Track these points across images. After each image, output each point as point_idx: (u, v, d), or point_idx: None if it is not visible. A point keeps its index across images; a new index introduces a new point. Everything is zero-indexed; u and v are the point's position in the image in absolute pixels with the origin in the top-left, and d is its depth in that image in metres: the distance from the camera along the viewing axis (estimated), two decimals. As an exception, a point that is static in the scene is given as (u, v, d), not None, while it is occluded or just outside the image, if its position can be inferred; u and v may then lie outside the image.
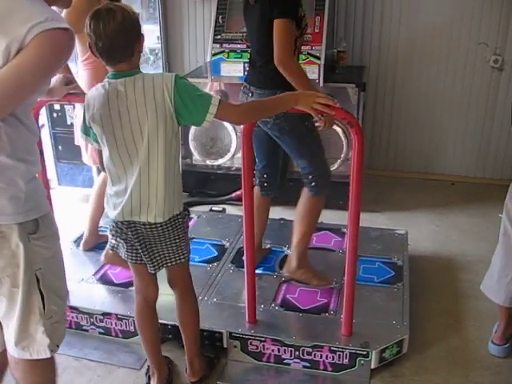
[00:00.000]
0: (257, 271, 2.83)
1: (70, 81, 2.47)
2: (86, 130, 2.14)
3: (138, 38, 2.00)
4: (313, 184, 2.92)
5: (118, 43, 1.94)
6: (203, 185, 4.43)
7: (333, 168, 4.07)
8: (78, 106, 3.09)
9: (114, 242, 2.22)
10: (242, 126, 2.45)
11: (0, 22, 1.54)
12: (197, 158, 4.40)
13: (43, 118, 4.21)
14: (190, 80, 3.95)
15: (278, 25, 2.59)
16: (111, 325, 2.75)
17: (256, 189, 3.13)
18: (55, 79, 2.41)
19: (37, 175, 1.79)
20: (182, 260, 2.22)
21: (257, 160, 3.11)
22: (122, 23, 1.92)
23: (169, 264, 2.21)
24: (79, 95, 2.48)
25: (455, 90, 4.55)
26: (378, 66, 4.60)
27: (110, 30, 1.91)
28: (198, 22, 4.83)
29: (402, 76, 4.60)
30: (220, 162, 4.34)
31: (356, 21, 4.53)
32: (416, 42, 4.49)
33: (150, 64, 5.08)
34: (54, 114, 4.23)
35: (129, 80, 1.98)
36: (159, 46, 4.92)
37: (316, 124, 2.82)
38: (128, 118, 1.99)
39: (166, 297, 2.41)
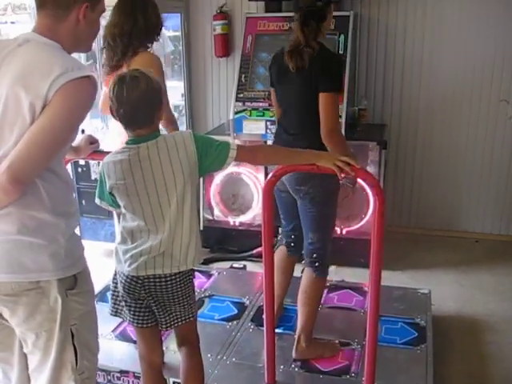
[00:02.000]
0: (277, 330, 2.79)
1: (94, 140, 2.54)
2: (101, 195, 2.16)
3: (160, 105, 2.04)
4: (317, 264, 2.86)
5: (140, 111, 1.98)
6: (224, 241, 4.44)
7: (355, 226, 4.08)
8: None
9: (116, 306, 2.23)
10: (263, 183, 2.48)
11: (23, 78, 1.59)
12: (218, 213, 4.42)
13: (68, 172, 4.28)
14: (214, 137, 4.08)
15: (327, 98, 2.65)
16: (128, 383, 2.72)
17: (282, 248, 3.14)
18: (80, 139, 2.48)
19: (76, 230, 1.83)
20: (191, 318, 2.22)
21: (283, 222, 3.12)
22: (146, 92, 1.96)
23: (180, 322, 2.19)
24: (103, 153, 2.55)
25: (477, 147, 4.55)
26: (399, 123, 4.64)
27: (133, 99, 1.95)
28: (222, 80, 4.95)
29: (423, 133, 4.63)
30: (241, 218, 4.35)
31: (377, 79, 4.60)
32: (436, 100, 4.53)
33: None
34: (79, 169, 4.32)
35: (151, 144, 2.02)
36: (183, 103, 5.03)
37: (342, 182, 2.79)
38: (154, 182, 2.02)
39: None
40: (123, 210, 2.12)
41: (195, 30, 4.92)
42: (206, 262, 4.23)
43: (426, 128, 4.61)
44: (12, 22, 4.29)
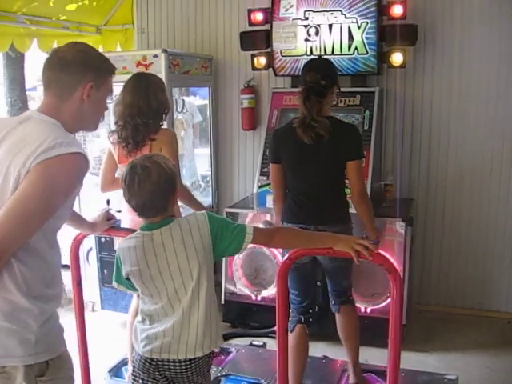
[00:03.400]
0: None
1: (111, 216, 2.54)
2: (119, 279, 2.14)
3: (174, 193, 2.02)
4: (351, 298, 3.23)
5: (152, 203, 1.97)
6: (246, 316, 4.34)
7: (380, 305, 3.95)
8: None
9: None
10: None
11: (15, 152, 1.60)
12: (241, 287, 4.35)
13: (91, 241, 4.32)
14: (237, 211, 4.07)
15: (356, 165, 2.97)
16: None
17: (300, 327, 3.07)
18: (98, 214, 2.49)
19: (56, 312, 1.77)
20: None
21: (298, 299, 3.07)
22: (158, 184, 1.93)
23: None
24: (120, 230, 2.55)
25: (508, 221, 4.42)
26: (427, 197, 4.56)
27: (144, 191, 1.93)
28: (248, 153, 4.99)
29: (452, 207, 4.53)
30: (263, 293, 4.27)
31: (404, 153, 4.56)
32: (465, 173, 4.45)
33: (200, 191, 5.21)
34: (102, 239, 4.33)
35: (165, 229, 2.00)
36: (210, 173, 5.07)
37: None
38: (168, 269, 1.99)
39: None
40: (141, 294, 2.10)
41: (223, 103, 5.01)
42: (226, 337, 4.14)
43: (454, 202, 4.52)
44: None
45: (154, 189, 1.93)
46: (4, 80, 4.81)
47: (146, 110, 3.10)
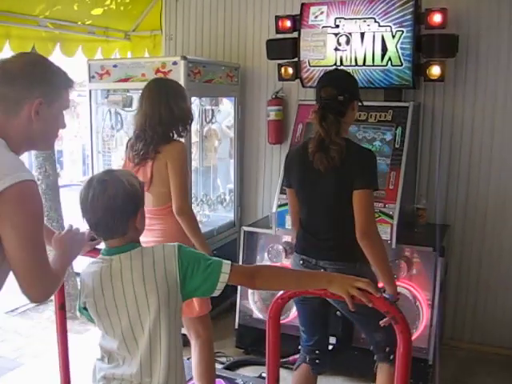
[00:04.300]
0: None
1: (94, 237, 2.31)
2: (80, 308, 1.90)
3: (135, 214, 1.76)
4: (391, 357, 2.58)
5: (105, 221, 1.72)
6: (260, 343, 4.01)
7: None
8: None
9: None
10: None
11: None
12: (256, 312, 4.06)
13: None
14: (255, 230, 3.78)
15: (361, 196, 2.48)
16: None
17: (304, 367, 2.78)
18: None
19: None
20: None
21: (304, 335, 2.77)
22: (114, 200, 1.69)
23: None
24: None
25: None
26: (464, 224, 4.16)
27: (98, 207, 1.70)
28: (274, 168, 4.72)
29: (491, 236, 4.10)
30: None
31: (441, 175, 4.17)
32: (508, 200, 4.03)
33: (224, 206, 4.96)
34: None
35: (124, 257, 1.75)
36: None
37: None
38: (124, 301, 1.74)
39: None
40: (98, 328, 1.85)
41: (250, 114, 4.77)
42: (237, 365, 3.87)
43: (494, 231, 4.09)
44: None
45: (109, 205, 1.69)
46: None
47: (167, 119, 2.86)
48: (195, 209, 4.63)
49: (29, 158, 5.01)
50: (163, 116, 2.85)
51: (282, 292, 2.03)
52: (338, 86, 2.62)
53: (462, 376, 3.77)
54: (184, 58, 3.91)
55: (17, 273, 1.59)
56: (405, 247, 3.59)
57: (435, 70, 3.76)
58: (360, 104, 2.70)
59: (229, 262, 1.80)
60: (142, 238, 2.82)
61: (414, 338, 3.53)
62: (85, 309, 1.85)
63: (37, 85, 1.59)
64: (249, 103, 4.75)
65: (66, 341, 2.51)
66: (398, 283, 3.50)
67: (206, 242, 2.97)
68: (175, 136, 2.95)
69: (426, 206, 3.99)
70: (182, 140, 3.05)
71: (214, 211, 4.90)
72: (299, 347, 2.94)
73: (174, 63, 3.91)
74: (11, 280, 1.65)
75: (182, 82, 3.84)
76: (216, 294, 1.77)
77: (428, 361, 3.51)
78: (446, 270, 3.98)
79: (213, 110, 4.91)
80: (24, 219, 1.53)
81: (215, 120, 4.98)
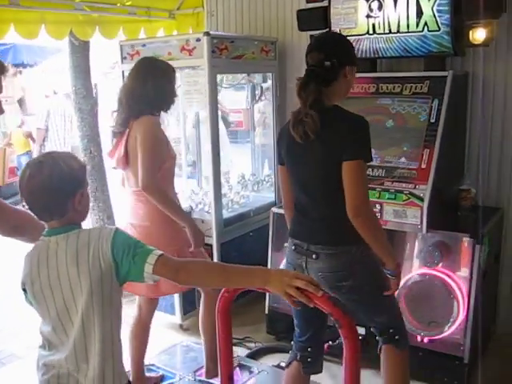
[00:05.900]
0: None
1: None
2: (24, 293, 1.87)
3: (73, 195, 1.74)
4: (397, 337, 2.54)
5: (41, 202, 1.72)
6: (290, 330, 3.84)
7: (438, 336, 3.25)
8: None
9: None
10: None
11: None
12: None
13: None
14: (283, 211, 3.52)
15: (351, 167, 2.22)
16: None
17: (295, 365, 2.59)
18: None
19: None
20: None
21: (298, 330, 2.58)
22: (48, 180, 1.68)
23: None
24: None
25: None
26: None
27: (32, 186, 1.70)
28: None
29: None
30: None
31: (492, 153, 3.74)
32: None
33: (268, 186, 4.76)
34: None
35: (61, 238, 1.73)
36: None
37: None
38: (59, 283, 1.71)
39: None
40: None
41: (290, 90, 4.50)
42: (260, 353, 3.72)
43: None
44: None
45: (45, 186, 1.69)
46: (69, 68, 4.72)
47: (138, 95, 2.85)
48: (235, 189, 4.49)
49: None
50: (136, 91, 2.85)
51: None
52: (326, 50, 2.35)
53: (509, 377, 3.38)
54: (207, 33, 3.74)
55: None
56: (438, 233, 3.24)
57: (479, 34, 3.33)
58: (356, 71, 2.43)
59: (159, 252, 1.71)
60: (129, 221, 2.77)
61: (448, 333, 3.21)
62: (24, 290, 1.82)
63: None
64: (288, 79, 4.51)
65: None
66: (430, 271, 3.22)
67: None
68: (146, 113, 2.89)
69: (470, 187, 3.58)
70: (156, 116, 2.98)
71: (256, 192, 4.72)
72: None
73: (198, 40, 3.75)
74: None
75: (205, 58, 3.71)
76: (148, 282, 1.72)
77: (463, 359, 3.17)
78: (495, 257, 3.59)
79: (261, 87, 4.74)
80: None
81: (264, 97, 4.80)
